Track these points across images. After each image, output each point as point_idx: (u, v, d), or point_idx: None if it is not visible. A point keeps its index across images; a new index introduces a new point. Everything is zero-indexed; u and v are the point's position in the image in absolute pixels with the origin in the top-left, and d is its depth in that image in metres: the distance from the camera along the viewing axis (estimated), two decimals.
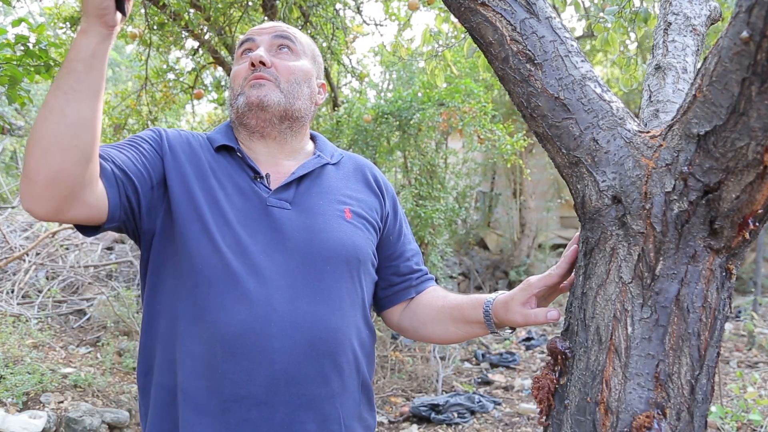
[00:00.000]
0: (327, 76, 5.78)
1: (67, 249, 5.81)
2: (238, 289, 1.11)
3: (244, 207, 1.17)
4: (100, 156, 1.06)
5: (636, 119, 0.99)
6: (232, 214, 1.15)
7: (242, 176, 1.20)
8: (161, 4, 4.18)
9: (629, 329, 0.89)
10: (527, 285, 1.14)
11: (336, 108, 5.88)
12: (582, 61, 0.98)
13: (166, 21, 4.25)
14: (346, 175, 1.31)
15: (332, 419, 1.17)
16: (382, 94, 6.71)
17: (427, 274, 1.40)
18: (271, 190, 1.20)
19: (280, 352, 1.11)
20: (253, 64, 1.22)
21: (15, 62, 2.26)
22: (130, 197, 1.10)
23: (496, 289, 7.30)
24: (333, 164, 1.31)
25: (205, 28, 4.50)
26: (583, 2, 3.19)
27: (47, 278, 5.36)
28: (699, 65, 0.88)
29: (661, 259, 0.87)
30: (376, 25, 5.05)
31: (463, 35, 3.68)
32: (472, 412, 4.10)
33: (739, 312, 6.69)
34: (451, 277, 7.00)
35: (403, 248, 1.37)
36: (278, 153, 1.26)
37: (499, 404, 4.31)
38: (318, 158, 1.28)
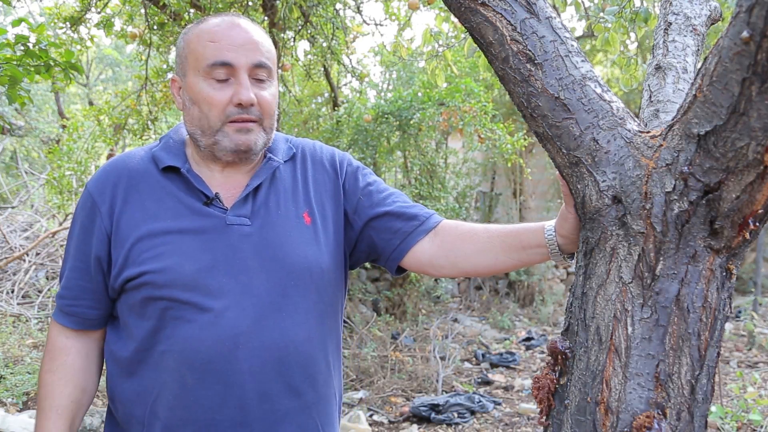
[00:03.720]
0: (327, 76, 5.78)
1: None
2: (204, 316, 1.10)
3: (203, 228, 1.14)
4: (85, 318, 1.21)
5: (636, 119, 0.99)
6: (190, 240, 1.13)
7: (193, 198, 1.17)
8: (161, 4, 4.18)
9: (629, 329, 0.89)
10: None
11: (336, 108, 5.88)
12: (582, 61, 0.98)
13: (166, 21, 4.25)
14: (300, 170, 1.27)
15: (310, 429, 1.18)
16: (382, 94, 6.71)
17: (429, 210, 1.32)
18: (227, 208, 1.16)
19: (250, 373, 1.11)
20: (240, 103, 1.14)
21: (15, 62, 2.26)
22: (108, 301, 1.21)
23: (496, 290, 7.25)
24: (286, 161, 1.26)
25: None
26: (583, 2, 3.19)
27: (47, 278, 5.36)
28: (699, 65, 0.88)
29: (661, 259, 0.87)
30: (376, 25, 5.05)
31: (463, 35, 3.68)
32: (472, 412, 4.10)
33: (739, 312, 6.69)
34: (451, 276, 6.99)
35: (381, 196, 1.29)
36: (232, 171, 1.21)
37: (499, 404, 4.31)
38: (269, 162, 1.22)
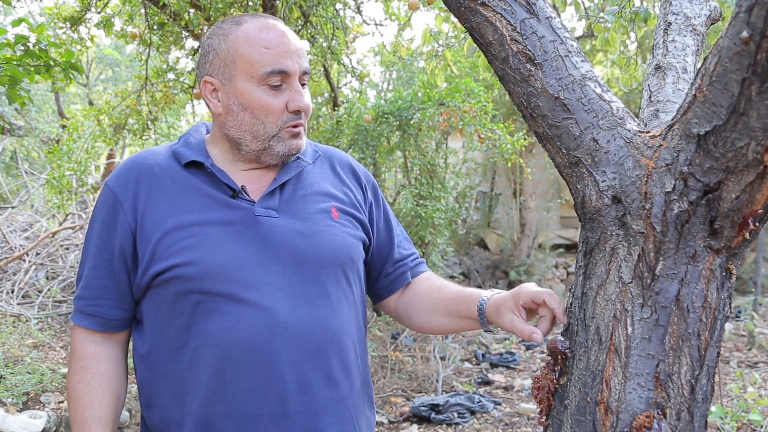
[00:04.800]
0: (327, 76, 5.78)
1: (67, 249, 5.82)
2: (238, 307, 1.09)
3: (231, 220, 1.14)
4: (108, 321, 1.19)
5: (636, 119, 1.00)
6: (219, 231, 1.13)
7: (219, 191, 1.16)
8: (161, 4, 4.18)
9: (629, 329, 0.89)
10: (517, 293, 1.13)
11: (336, 108, 5.88)
12: (582, 61, 0.98)
13: (166, 21, 4.25)
14: (326, 171, 1.29)
15: (347, 421, 1.18)
16: (382, 94, 6.71)
17: (418, 257, 1.40)
18: (254, 201, 1.16)
19: (288, 363, 1.10)
20: (297, 110, 1.16)
21: (15, 62, 2.26)
22: (131, 301, 1.19)
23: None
24: (312, 162, 1.27)
25: (205, 28, 4.50)
26: (583, 2, 3.19)
27: (47, 278, 5.36)
28: (699, 65, 0.88)
29: (661, 259, 0.87)
30: (376, 25, 5.05)
31: (463, 35, 3.68)
32: (472, 412, 4.10)
33: (739, 312, 6.68)
34: (451, 276, 7.00)
35: (393, 234, 1.36)
36: (259, 168, 1.22)
37: (499, 404, 4.31)
38: (297, 161, 1.23)
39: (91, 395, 1.17)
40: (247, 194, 1.16)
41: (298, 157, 1.24)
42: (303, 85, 1.18)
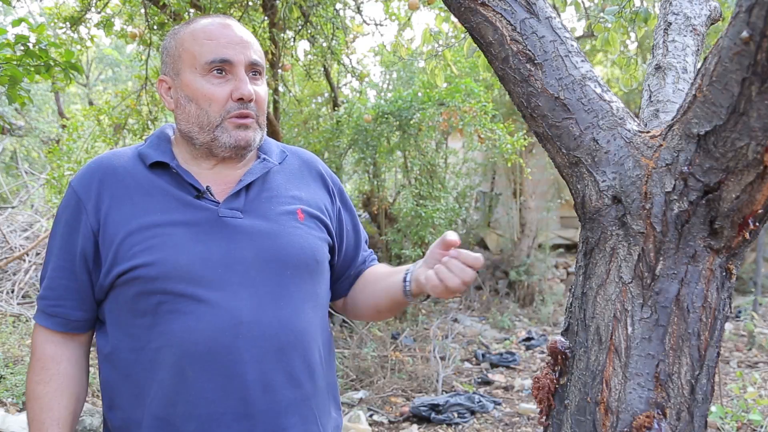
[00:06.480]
0: (327, 76, 5.79)
1: None
2: (201, 307, 1.09)
3: (195, 220, 1.14)
4: (69, 321, 1.18)
5: (636, 119, 1.00)
6: (182, 232, 1.12)
7: (184, 192, 1.16)
8: (161, 4, 4.18)
9: (629, 329, 0.89)
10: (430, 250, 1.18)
11: (336, 108, 5.88)
12: (582, 61, 0.98)
13: (166, 21, 4.25)
14: (293, 173, 1.29)
15: (311, 421, 1.17)
16: (382, 94, 6.71)
17: (374, 254, 1.43)
18: (218, 201, 1.16)
19: (251, 362, 1.10)
20: (241, 98, 1.15)
21: (15, 62, 2.26)
22: (93, 302, 1.19)
23: (496, 290, 7.27)
24: (278, 164, 1.27)
25: None
26: (583, 2, 3.19)
27: None
28: (699, 65, 0.88)
29: (661, 259, 0.87)
30: (376, 25, 5.05)
31: (463, 35, 3.69)
32: (472, 412, 4.10)
33: (739, 312, 6.68)
34: None
35: (360, 239, 1.38)
36: (224, 168, 1.21)
37: (499, 404, 4.31)
38: (263, 162, 1.23)
39: (49, 397, 1.16)
40: (212, 195, 1.16)
41: (264, 159, 1.24)
42: (256, 75, 1.19)
